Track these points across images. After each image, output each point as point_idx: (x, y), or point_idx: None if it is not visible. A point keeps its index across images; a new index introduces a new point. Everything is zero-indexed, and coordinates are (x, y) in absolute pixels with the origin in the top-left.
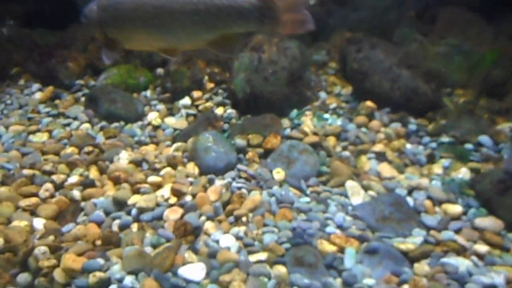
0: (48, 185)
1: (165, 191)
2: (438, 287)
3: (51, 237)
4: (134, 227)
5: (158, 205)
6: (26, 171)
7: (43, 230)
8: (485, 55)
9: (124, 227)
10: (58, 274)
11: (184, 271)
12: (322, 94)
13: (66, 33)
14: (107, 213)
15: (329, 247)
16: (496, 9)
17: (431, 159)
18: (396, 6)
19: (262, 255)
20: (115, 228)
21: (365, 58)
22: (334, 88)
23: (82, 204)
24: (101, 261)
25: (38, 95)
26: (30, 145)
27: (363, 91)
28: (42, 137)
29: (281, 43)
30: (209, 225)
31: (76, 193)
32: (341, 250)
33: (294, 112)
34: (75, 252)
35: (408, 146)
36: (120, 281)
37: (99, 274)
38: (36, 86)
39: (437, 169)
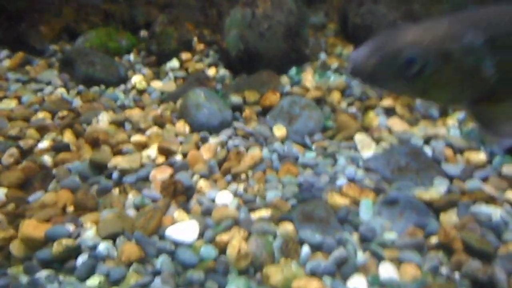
0: (13, 150)
1: (152, 151)
2: (473, 238)
3: (12, 206)
4: (116, 191)
5: (142, 166)
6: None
7: (4, 200)
8: None
9: (103, 191)
10: (15, 247)
11: (173, 232)
12: (322, 55)
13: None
14: (83, 178)
15: (341, 200)
16: None
17: (445, 113)
18: None
19: (265, 212)
20: (93, 192)
21: (368, 12)
22: (335, 49)
23: (54, 171)
24: (70, 227)
25: (6, 63)
26: None
27: None
28: (9, 103)
29: None
30: (202, 184)
31: (47, 159)
32: (355, 202)
33: (293, 70)
34: (38, 219)
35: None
36: (93, 248)
37: (65, 241)
38: (4, 53)
39: (452, 121)
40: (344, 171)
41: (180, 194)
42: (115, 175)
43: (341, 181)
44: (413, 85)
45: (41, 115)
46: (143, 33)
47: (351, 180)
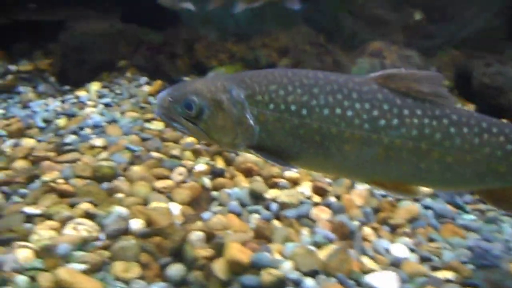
0: (181, 169)
1: (304, 189)
2: None
3: (199, 223)
4: (275, 222)
5: (301, 202)
6: (154, 154)
7: (181, 215)
8: None
9: (265, 221)
10: (219, 268)
11: (373, 280)
12: None
13: (168, 33)
14: (242, 205)
15: None
16: None
17: None
18: (504, 24)
19: (449, 274)
20: (253, 221)
21: (498, 73)
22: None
23: (214, 193)
24: (268, 255)
25: (147, 88)
26: (148, 131)
27: (497, 107)
28: (158, 125)
29: (401, 51)
30: (367, 231)
31: (207, 181)
32: None
33: None
34: (239, 242)
35: None
36: (297, 283)
37: (274, 271)
38: (144, 79)
39: None
40: None
41: (347, 237)
42: (273, 207)
43: None
44: (198, 127)
45: (188, 139)
46: None
47: None
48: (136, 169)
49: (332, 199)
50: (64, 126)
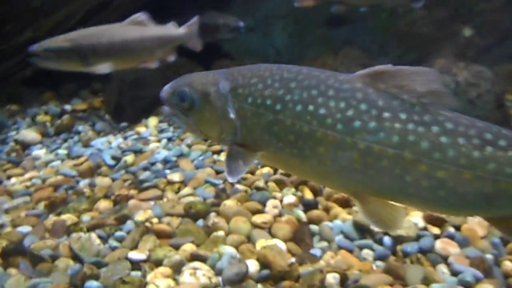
0: (274, 202)
1: (416, 219)
2: None
3: (322, 263)
4: (393, 259)
5: (418, 235)
6: (240, 187)
7: (288, 253)
8: None
9: (381, 258)
10: None
11: None
12: None
13: (215, 65)
14: (349, 239)
15: None
16: None
17: None
18: None
19: None
20: (369, 258)
21: None
22: None
23: (312, 227)
24: None
25: None
26: (220, 163)
27: None
28: None
29: (470, 67)
30: (508, 265)
31: (302, 214)
32: None
33: None
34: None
35: None
36: None
37: None
38: None
39: None
40: None
41: (489, 274)
42: (387, 241)
43: None
44: (189, 120)
45: (265, 170)
46: None
47: None
48: (229, 203)
49: (451, 230)
50: (132, 162)
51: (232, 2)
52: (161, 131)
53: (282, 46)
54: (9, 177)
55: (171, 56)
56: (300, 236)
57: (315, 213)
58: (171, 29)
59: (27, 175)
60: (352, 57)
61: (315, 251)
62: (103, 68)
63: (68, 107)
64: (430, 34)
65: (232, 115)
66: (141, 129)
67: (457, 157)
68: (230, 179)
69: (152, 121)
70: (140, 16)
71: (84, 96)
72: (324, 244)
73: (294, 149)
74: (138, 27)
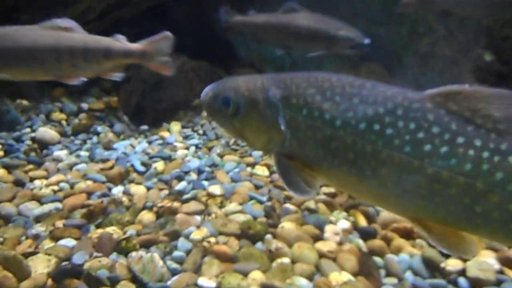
0: (334, 228)
1: (488, 259)
2: None
3: None
4: None
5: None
6: (291, 206)
7: None
8: None
9: None
10: None
11: None
12: None
13: (234, 71)
14: (418, 275)
15: None
16: None
17: None
18: None
19: None
20: None
21: None
22: None
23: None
24: None
25: None
26: (256, 177)
27: None
28: (263, 170)
29: None
30: None
31: (361, 243)
32: None
33: None
34: None
35: None
36: None
37: None
38: None
39: None
40: None
41: None
42: (463, 282)
43: None
44: (233, 125)
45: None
46: None
47: None
48: (288, 226)
49: None
50: (163, 170)
51: (250, 6)
52: (186, 137)
53: (299, 56)
54: (32, 180)
55: (113, 74)
56: (368, 270)
57: (376, 243)
58: (111, 43)
59: (53, 178)
60: (375, 73)
61: None
62: None
63: (84, 105)
64: (451, 56)
65: (282, 126)
66: (164, 133)
67: None
68: (297, 195)
69: (175, 126)
70: (65, 21)
71: (95, 94)
72: (393, 280)
73: (353, 168)
74: (56, 33)
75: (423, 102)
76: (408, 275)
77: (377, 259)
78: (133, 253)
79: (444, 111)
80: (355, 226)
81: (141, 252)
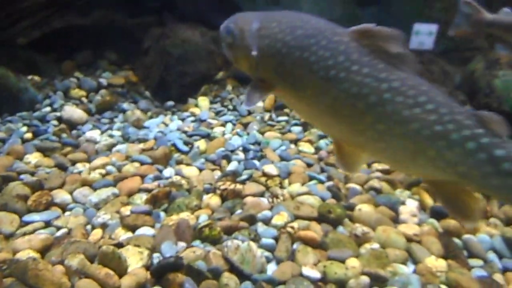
0: (410, 209)
1: None
2: None
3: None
4: None
5: None
6: (357, 186)
7: None
8: None
9: None
10: None
11: None
12: None
13: None
14: (502, 256)
15: None
16: None
17: None
18: None
19: None
20: None
21: None
22: None
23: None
24: None
25: (260, 103)
26: (304, 154)
27: None
28: (309, 147)
29: None
30: None
31: (436, 223)
32: None
33: None
34: None
35: None
36: None
37: None
38: None
39: None
40: None
41: None
42: None
43: None
44: (231, 52)
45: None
46: None
47: None
48: (366, 209)
49: None
50: (205, 149)
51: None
52: (217, 113)
53: None
54: (73, 163)
55: None
56: (452, 252)
57: (451, 223)
58: None
59: (97, 161)
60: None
61: (479, 272)
62: None
63: (103, 80)
64: None
65: (254, 52)
66: (193, 110)
67: (392, 113)
68: (245, 106)
69: (203, 101)
70: None
71: (104, 67)
72: (478, 262)
73: (293, 89)
74: None
75: (343, 36)
76: (492, 257)
77: (455, 240)
78: (228, 242)
79: (355, 44)
80: (423, 205)
81: (237, 241)
